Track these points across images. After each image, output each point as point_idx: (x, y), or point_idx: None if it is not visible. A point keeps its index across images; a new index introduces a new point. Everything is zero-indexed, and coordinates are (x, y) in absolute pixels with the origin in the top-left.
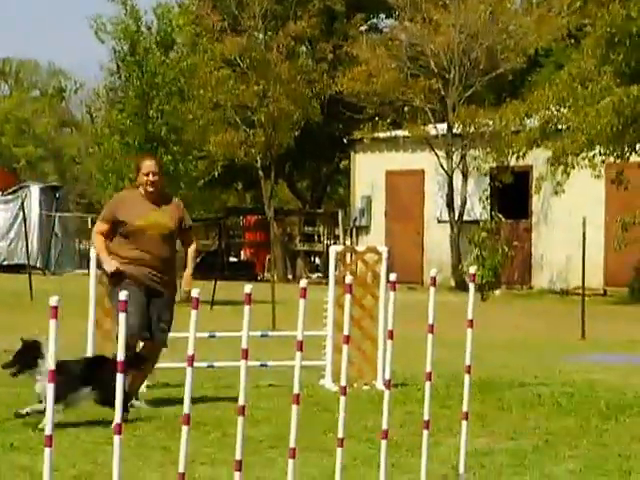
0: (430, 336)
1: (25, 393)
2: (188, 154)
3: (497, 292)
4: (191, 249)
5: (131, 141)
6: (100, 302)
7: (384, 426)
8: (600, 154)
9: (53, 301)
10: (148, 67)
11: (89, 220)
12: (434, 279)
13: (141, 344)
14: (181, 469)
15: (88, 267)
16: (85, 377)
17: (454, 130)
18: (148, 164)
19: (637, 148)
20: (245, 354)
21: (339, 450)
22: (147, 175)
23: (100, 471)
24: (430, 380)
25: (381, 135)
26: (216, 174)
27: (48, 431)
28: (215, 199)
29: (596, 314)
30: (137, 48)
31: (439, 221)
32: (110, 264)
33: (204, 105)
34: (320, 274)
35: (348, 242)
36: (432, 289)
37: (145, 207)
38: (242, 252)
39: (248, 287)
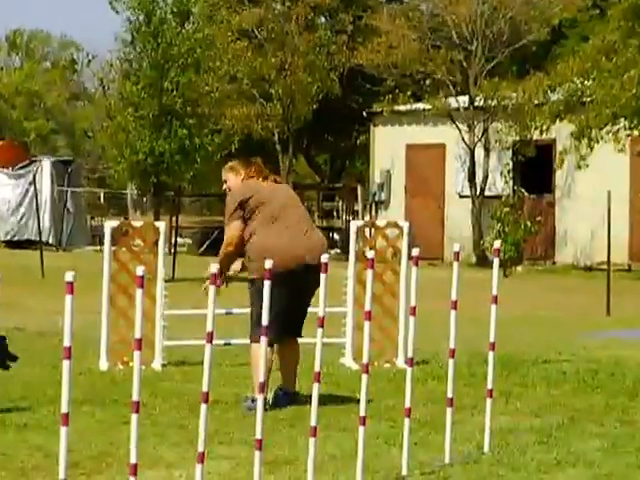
0: (453, 312)
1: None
2: (204, 128)
3: (520, 268)
4: None
5: (145, 114)
6: (114, 279)
7: (407, 404)
8: (625, 128)
9: (69, 277)
10: (163, 38)
11: (102, 195)
12: (457, 254)
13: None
14: (200, 448)
15: (101, 243)
16: None
17: (476, 103)
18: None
19: None
20: (264, 331)
21: (361, 428)
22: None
23: (116, 451)
24: (453, 357)
25: (401, 108)
26: (233, 148)
27: (64, 409)
28: None
29: (621, 290)
30: (152, 18)
31: (460, 196)
32: None
33: (220, 77)
34: (339, 250)
35: (367, 217)
36: (455, 264)
37: None
38: None
39: (268, 263)
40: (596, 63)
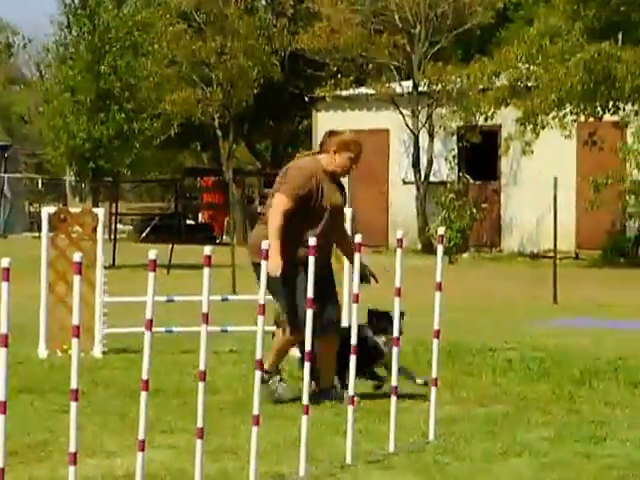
0: (397, 300)
1: None
2: (142, 112)
3: (465, 255)
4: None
5: (82, 98)
6: (52, 265)
7: (350, 392)
8: (571, 113)
9: (4, 263)
10: (100, 21)
11: (39, 181)
12: (400, 241)
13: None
14: (141, 436)
15: (39, 230)
16: None
17: (420, 88)
18: (360, 150)
19: (610, 107)
20: (205, 318)
21: (304, 417)
22: (355, 161)
23: (56, 439)
24: (397, 345)
25: (344, 93)
26: (172, 133)
27: (1, 397)
28: (171, 159)
29: (568, 278)
30: (89, 1)
31: (404, 182)
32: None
33: (159, 61)
34: None
35: None
36: (399, 251)
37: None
38: (200, 214)
39: (208, 249)
40: (541, 48)
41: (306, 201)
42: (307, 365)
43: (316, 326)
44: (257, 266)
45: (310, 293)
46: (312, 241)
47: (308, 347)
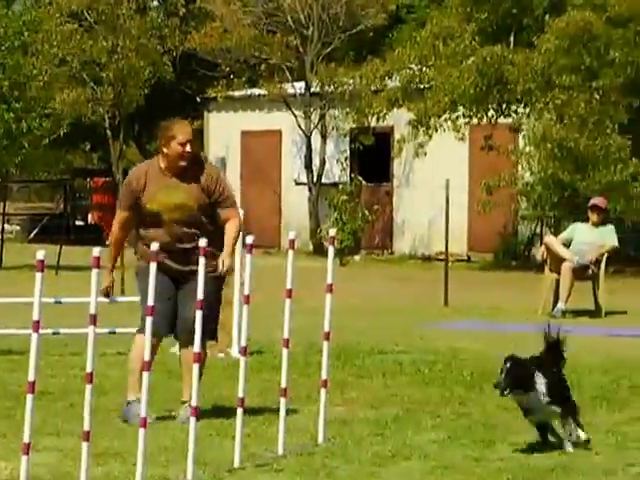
0: (288, 301)
1: None
2: (31, 111)
3: (357, 257)
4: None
5: None
6: None
7: (240, 394)
8: (463, 116)
9: None
10: None
11: None
12: (292, 242)
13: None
14: (26, 439)
15: None
16: None
17: (312, 89)
18: (187, 130)
19: (503, 109)
20: (93, 320)
21: (192, 419)
22: (184, 145)
23: None
24: (288, 347)
25: (236, 94)
26: (61, 133)
27: None
28: (60, 159)
29: (459, 280)
30: None
31: (297, 183)
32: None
33: (49, 60)
34: None
35: None
36: (290, 252)
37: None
38: (89, 215)
39: (96, 250)
40: (434, 50)
41: (139, 207)
42: (146, 376)
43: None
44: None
45: (151, 300)
46: (154, 246)
47: (147, 356)
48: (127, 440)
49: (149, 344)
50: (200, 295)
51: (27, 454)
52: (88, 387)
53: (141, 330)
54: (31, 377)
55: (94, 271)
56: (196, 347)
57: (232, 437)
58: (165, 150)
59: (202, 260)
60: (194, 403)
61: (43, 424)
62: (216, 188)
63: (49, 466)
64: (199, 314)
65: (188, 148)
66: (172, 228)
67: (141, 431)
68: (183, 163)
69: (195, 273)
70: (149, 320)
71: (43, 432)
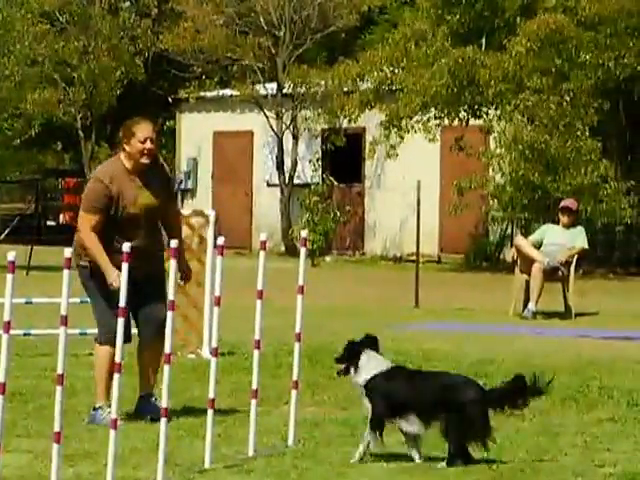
0: (259, 302)
1: None
2: (3, 112)
3: (328, 258)
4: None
5: None
6: None
7: (210, 395)
8: (435, 117)
9: None
10: None
11: None
12: (264, 243)
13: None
14: None
15: None
16: None
17: (284, 90)
18: (148, 128)
19: (475, 111)
20: (64, 321)
21: (163, 420)
22: (144, 142)
23: None
24: (259, 348)
25: (208, 94)
26: (33, 133)
27: None
28: (32, 160)
29: (430, 282)
30: None
31: (269, 184)
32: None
33: (20, 61)
34: None
35: None
36: (262, 254)
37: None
38: (61, 216)
39: (68, 251)
40: (406, 51)
41: (109, 210)
42: (116, 378)
43: (142, 331)
44: (81, 268)
45: (122, 302)
46: (126, 247)
47: (118, 358)
48: (98, 441)
49: (120, 343)
50: (171, 296)
51: None
52: (59, 388)
53: (101, 342)
54: (1, 378)
55: (65, 272)
56: (167, 348)
57: (202, 438)
58: (127, 148)
59: (173, 262)
60: (164, 404)
61: (13, 425)
62: (169, 188)
63: (19, 467)
64: (170, 314)
65: (149, 145)
66: (148, 229)
67: (112, 432)
68: (146, 161)
69: (158, 275)
70: (121, 321)
71: (13, 433)
